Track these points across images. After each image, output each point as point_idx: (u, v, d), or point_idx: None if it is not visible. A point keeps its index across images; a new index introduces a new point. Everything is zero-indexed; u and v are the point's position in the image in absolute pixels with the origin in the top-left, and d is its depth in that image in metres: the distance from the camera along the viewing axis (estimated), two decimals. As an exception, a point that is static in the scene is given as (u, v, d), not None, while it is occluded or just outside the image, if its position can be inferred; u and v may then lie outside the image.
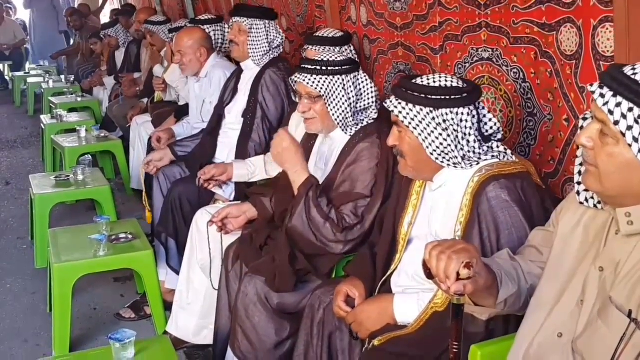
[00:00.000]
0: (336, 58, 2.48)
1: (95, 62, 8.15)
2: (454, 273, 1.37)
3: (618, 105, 1.29)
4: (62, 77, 8.92)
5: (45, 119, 6.16)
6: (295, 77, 2.48)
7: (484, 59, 2.49)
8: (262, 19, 3.42)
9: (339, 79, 2.43)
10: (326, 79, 2.42)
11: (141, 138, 4.91)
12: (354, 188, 2.39)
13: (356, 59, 3.10)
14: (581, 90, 2.03)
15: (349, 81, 2.44)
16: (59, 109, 6.20)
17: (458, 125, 1.86)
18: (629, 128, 1.28)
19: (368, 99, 2.48)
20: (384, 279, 2.10)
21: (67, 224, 4.14)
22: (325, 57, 2.48)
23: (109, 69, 7.15)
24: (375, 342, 1.92)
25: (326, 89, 2.42)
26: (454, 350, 1.34)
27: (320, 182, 2.52)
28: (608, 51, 1.91)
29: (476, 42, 2.51)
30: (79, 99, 6.96)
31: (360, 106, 2.48)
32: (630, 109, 1.28)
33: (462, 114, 1.87)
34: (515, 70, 2.34)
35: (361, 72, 2.50)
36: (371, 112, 2.50)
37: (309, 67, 2.45)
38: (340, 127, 2.46)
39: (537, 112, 2.27)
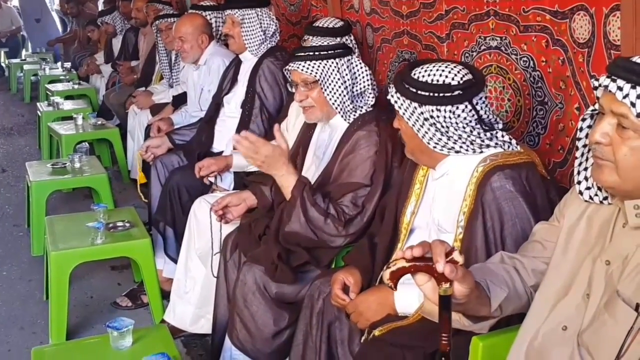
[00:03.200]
0: (328, 43, 2.48)
1: (92, 50, 8.09)
2: (443, 254, 1.31)
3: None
4: (59, 64, 8.87)
5: (41, 106, 6.11)
6: (290, 66, 2.48)
7: (492, 47, 2.47)
8: (253, 7, 3.37)
9: (332, 62, 2.42)
10: (320, 63, 2.42)
11: (141, 126, 4.87)
12: (353, 177, 2.37)
13: (354, 47, 3.08)
14: (593, 79, 2.01)
15: (342, 64, 2.44)
16: (55, 97, 6.16)
17: (445, 120, 1.83)
18: None
19: (363, 82, 2.47)
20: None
21: (63, 212, 4.13)
22: (317, 43, 2.48)
23: (106, 56, 7.10)
24: (376, 332, 1.90)
25: (321, 73, 2.42)
26: (443, 342, 1.31)
27: (319, 171, 2.50)
28: (618, 40, 1.89)
29: (484, 31, 2.49)
30: (76, 87, 6.92)
31: (357, 90, 2.47)
32: None
33: (450, 111, 1.82)
34: (525, 59, 2.32)
35: (354, 56, 2.50)
36: (368, 98, 2.49)
37: (302, 54, 2.45)
38: (339, 113, 2.45)
39: (548, 100, 2.24)
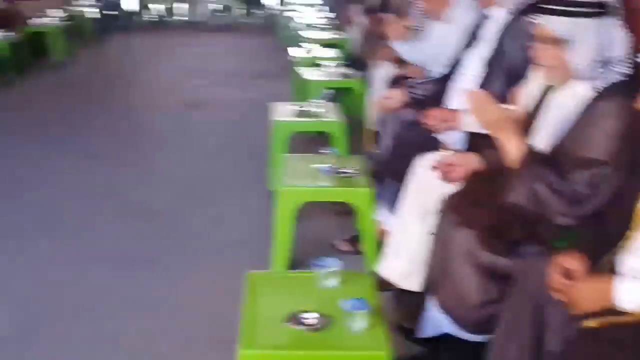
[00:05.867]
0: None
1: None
2: None
3: None
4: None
5: (296, 52, 6.44)
6: (535, 18, 2.25)
7: None
8: None
9: (586, 22, 2.15)
10: (571, 21, 2.15)
11: (381, 78, 4.89)
12: (592, 153, 2.10)
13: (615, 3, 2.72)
14: None
15: (597, 26, 2.15)
16: (310, 44, 6.45)
17: None
18: None
19: (619, 49, 2.16)
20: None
21: (304, 152, 4.34)
22: None
23: (366, 8, 7.20)
24: (592, 323, 1.71)
25: (571, 33, 2.15)
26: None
27: (552, 139, 2.28)
28: None
29: None
30: (333, 36, 7.16)
31: (609, 57, 2.17)
32: None
33: None
34: None
35: (614, 18, 2.19)
36: (622, 68, 2.17)
37: (553, 7, 2.19)
38: (584, 79, 2.18)
39: None
